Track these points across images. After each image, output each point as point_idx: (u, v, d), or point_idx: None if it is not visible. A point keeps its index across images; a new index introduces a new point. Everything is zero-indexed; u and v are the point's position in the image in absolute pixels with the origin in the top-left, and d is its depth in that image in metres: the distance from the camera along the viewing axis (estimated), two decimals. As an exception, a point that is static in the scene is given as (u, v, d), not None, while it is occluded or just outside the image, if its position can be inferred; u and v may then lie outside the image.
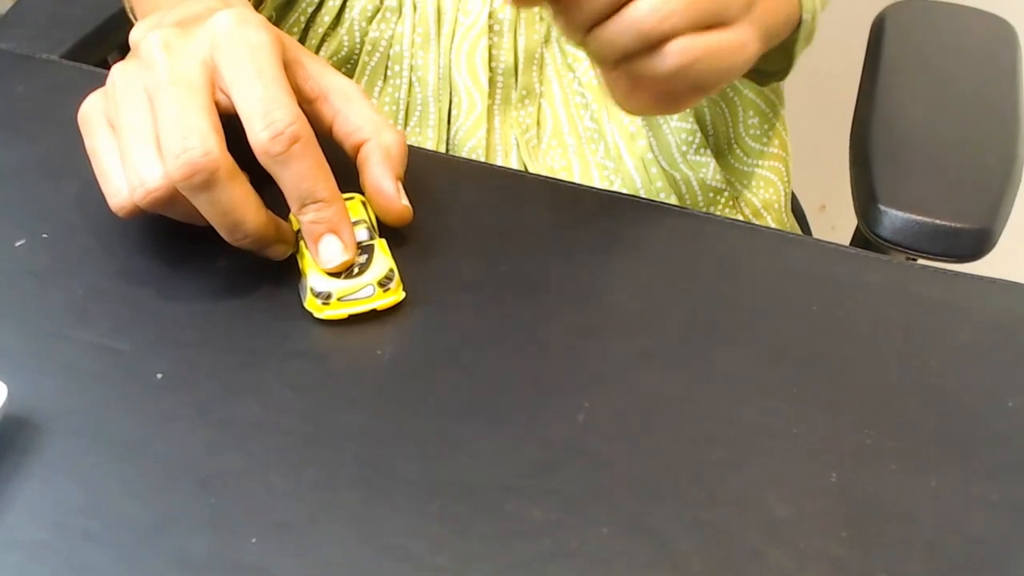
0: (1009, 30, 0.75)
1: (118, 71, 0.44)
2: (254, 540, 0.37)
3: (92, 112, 0.45)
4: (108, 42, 0.73)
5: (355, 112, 0.47)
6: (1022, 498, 0.40)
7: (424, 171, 0.51)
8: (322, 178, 0.43)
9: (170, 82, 0.42)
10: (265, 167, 0.42)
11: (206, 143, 0.41)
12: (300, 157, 0.42)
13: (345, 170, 0.46)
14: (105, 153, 0.44)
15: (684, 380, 0.43)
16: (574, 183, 0.52)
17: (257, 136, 0.41)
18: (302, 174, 0.42)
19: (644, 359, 0.44)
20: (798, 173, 0.79)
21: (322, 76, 0.47)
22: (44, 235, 0.47)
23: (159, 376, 0.42)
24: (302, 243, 0.45)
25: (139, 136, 0.42)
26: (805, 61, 0.78)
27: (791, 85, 0.89)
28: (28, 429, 0.40)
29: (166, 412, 0.41)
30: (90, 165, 0.45)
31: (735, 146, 0.70)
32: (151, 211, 0.43)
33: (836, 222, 1.38)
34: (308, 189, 0.43)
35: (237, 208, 0.42)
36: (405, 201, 0.47)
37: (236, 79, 0.42)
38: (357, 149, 0.47)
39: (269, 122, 0.41)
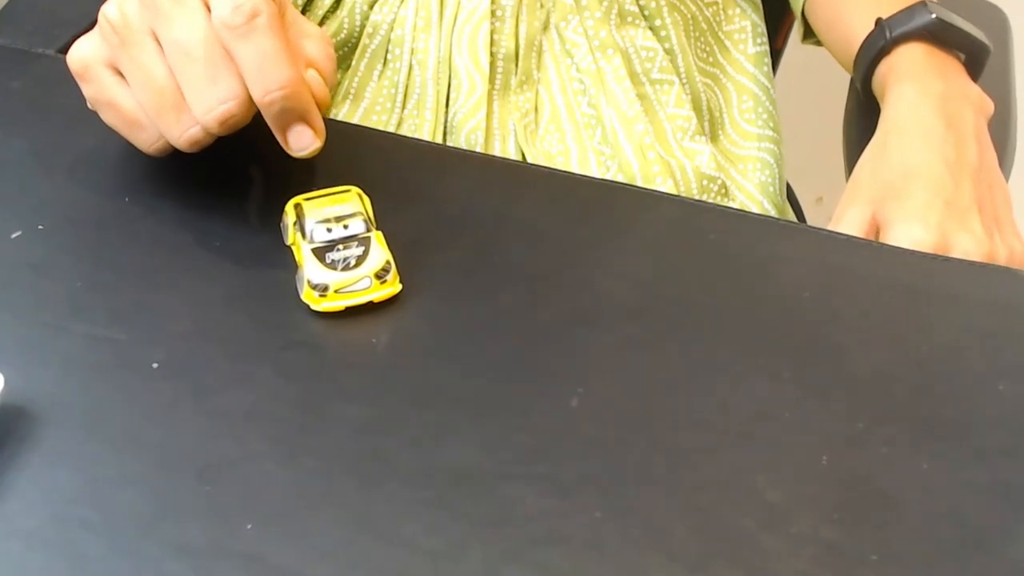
0: (1001, 16, 0.75)
1: (113, 10, 0.44)
2: (250, 527, 0.37)
3: (91, 60, 0.45)
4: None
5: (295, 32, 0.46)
6: (1011, 481, 0.40)
7: (418, 161, 0.51)
8: (286, 61, 0.42)
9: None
10: (226, 47, 0.42)
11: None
12: (262, 32, 0.41)
13: (344, 165, 0.46)
14: (126, 102, 0.44)
15: (677, 366, 0.43)
16: (567, 172, 0.52)
17: (219, 12, 0.41)
18: (264, 51, 0.41)
19: (637, 345, 0.44)
20: (795, 165, 0.79)
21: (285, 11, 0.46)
22: (40, 227, 0.47)
23: (155, 366, 0.42)
24: (297, 234, 0.46)
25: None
26: (800, 52, 0.78)
27: (787, 77, 0.90)
28: (25, 419, 0.40)
29: (162, 402, 0.41)
30: (88, 151, 0.44)
31: (730, 130, 0.70)
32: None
33: (833, 213, 1.38)
34: (271, 71, 0.42)
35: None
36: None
37: None
38: None
39: (237, 4, 0.41)
